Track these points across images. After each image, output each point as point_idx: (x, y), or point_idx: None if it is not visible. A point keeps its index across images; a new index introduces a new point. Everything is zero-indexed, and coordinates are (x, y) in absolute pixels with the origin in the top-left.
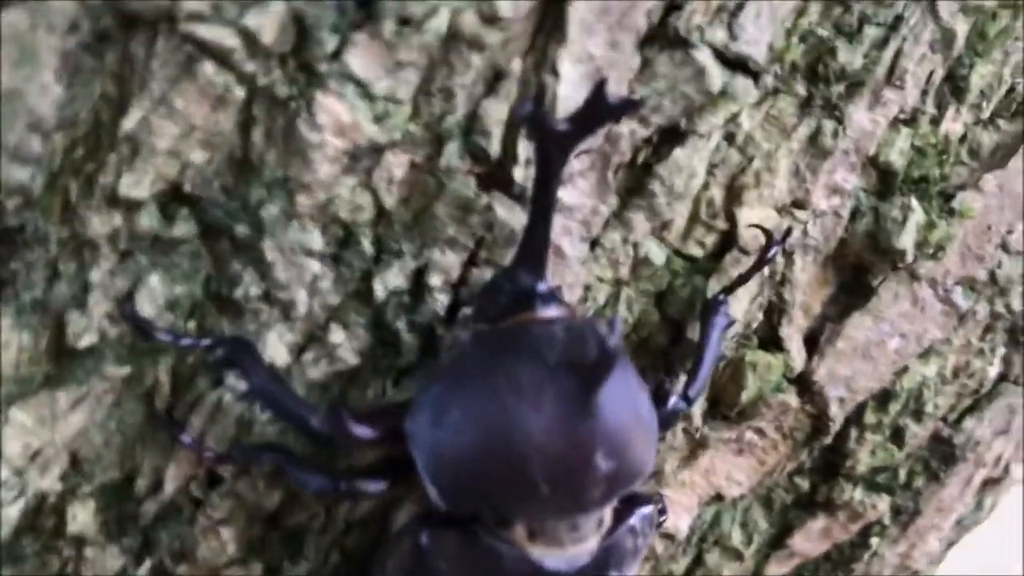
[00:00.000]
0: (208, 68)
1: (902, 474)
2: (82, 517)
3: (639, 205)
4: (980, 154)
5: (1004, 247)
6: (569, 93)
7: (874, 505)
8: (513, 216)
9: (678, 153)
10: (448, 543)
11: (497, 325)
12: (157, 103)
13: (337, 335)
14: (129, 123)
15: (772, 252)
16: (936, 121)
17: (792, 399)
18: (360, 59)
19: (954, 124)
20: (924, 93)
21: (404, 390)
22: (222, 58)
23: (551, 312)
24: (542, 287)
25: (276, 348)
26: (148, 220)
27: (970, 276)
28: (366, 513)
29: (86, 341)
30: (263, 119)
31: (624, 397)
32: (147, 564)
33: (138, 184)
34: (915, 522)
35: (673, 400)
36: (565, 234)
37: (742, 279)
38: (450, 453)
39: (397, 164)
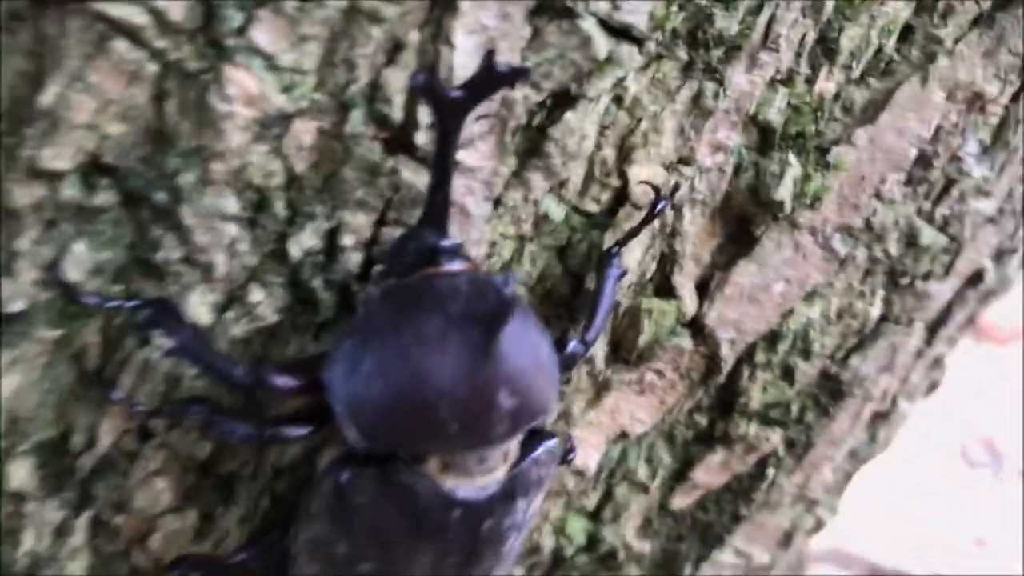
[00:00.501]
0: (120, 45)
1: (794, 409)
2: (20, 474)
3: (536, 165)
4: (852, 111)
5: (878, 196)
6: (464, 62)
7: (767, 438)
8: (418, 178)
9: (569, 116)
10: (367, 480)
11: (404, 280)
12: (73, 79)
13: (256, 294)
14: (47, 99)
15: (660, 207)
16: (811, 81)
17: (686, 342)
18: (265, 33)
19: (827, 83)
20: (798, 55)
21: (322, 344)
22: (133, 35)
23: (454, 266)
24: (445, 243)
25: (198, 308)
26: (70, 190)
27: (847, 224)
28: (293, 459)
29: (16, 306)
30: (176, 92)
31: (523, 342)
32: (86, 516)
33: (58, 156)
34: (809, 454)
35: (572, 344)
36: (468, 194)
37: (633, 232)
38: (365, 399)
39: (305, 131)
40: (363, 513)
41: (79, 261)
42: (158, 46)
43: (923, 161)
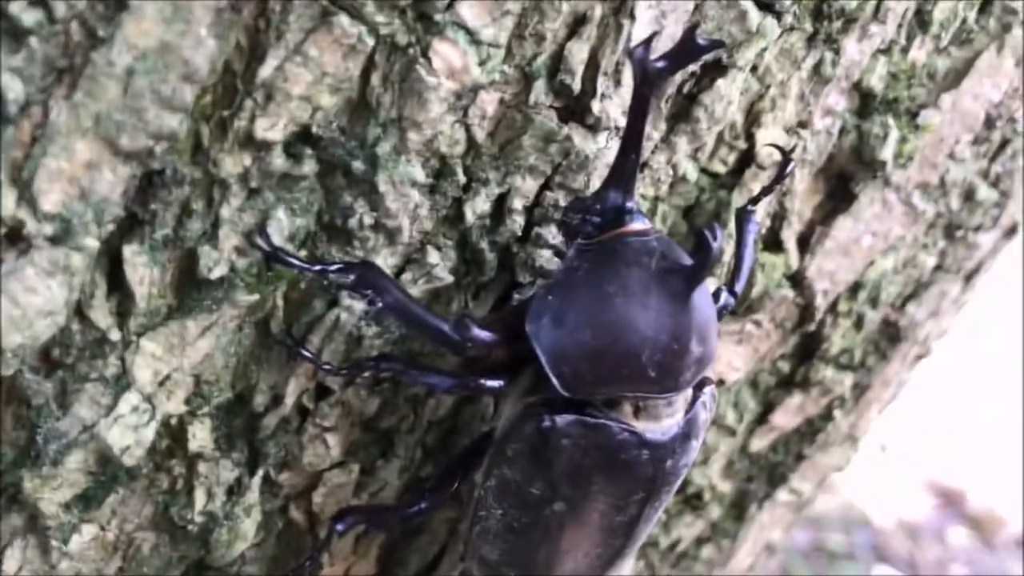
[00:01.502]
0: (343, 20)
1: (858, 354)
2: (201, 435)
3: (683, 130)
4: (936, 77)
5: (951, 156)
6: (641, 33)
7: (841, 381)
8: (587, 144)
9: (720, 83)
10: (567, 423)
11: (598, 239)
12: (292, 52)
13: (433, 256)
14: (266, 71)
15: (791, 167)
16: (905, 50)
17: (788, 292)
18: (471, 9)
19: (919, 52)
20: (899, 27)
21: (482, 302)
22: (354, 10)
23: (641, 225)
24: (631, 204)
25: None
26: (278, 159)
27: (925, 181)
28: (444, 413)
29: (218, 272)
30: (383, 65)
31: (705, 295)
32: (259, 474)
33: (272, 127)
34: (866, 395)
35: (724, 296)
36: None
37: (766, 190)
38: (571, 347)
39: (490, 101)
40: (562, 455)
41: (280, 227)
42: (376, 20)
43: (988, 123)
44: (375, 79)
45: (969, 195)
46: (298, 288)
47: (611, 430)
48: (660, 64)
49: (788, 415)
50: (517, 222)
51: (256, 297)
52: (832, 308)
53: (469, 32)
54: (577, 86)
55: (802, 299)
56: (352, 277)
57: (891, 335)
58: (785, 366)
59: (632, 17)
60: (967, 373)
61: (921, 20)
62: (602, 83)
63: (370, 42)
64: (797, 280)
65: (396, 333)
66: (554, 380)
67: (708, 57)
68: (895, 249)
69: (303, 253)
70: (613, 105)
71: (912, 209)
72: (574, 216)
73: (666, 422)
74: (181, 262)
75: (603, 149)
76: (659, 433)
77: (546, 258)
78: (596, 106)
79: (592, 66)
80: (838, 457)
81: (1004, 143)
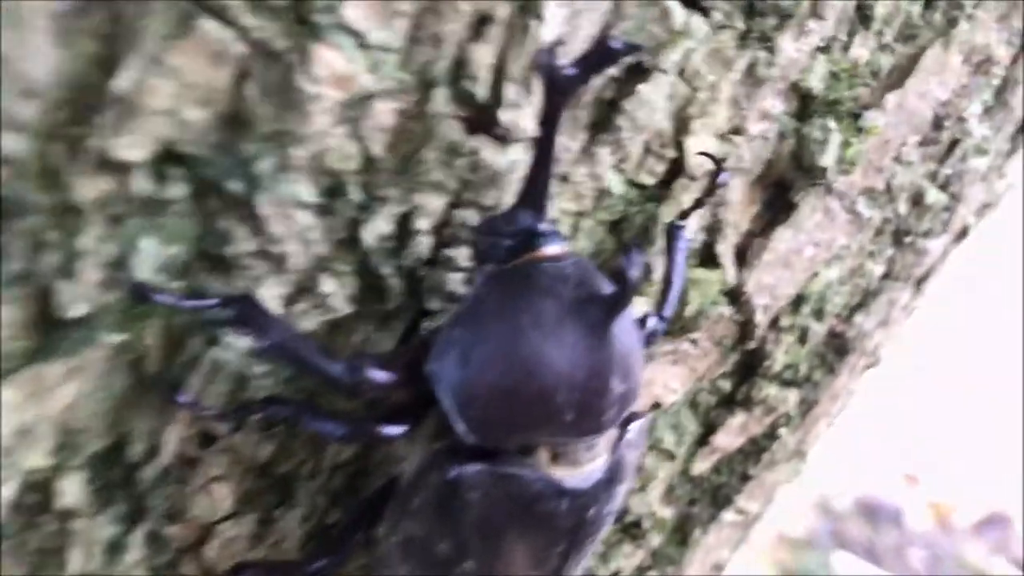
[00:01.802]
0: (208, 24)
1: (803, 368)
2: (71, 490)
3: (605, 140)
4: (879, 76)
5: (897, 159)
6: (551, 35)
7: (785, 399)
8: (497, 158)
9: (643, 89)
10: (476, 475)
11: (507, 265)
12: (151, 62)
13: (328, 284)
14: (121, 83)
15: (723, 178)
16: (846, 47)
17: (726, 310)
18: (357, 10)
19: (861, 50)
20: (838, 22)
21: (387, 333)
22: (221, 13)
23: (556, 249)
24: (546, 226)
25: (268, 302)
26: (142, 182)
27: (871, 187)
28: (349, 456)
29: (77, 310)
30: (259, 73)
31: (628, 324)
32: (141, 530)
33: (132, 145)
34: (813, 410)
35: (652, 321)
36: None
37: (697, 203)
38: (479, 389)
39: (385, 112)
40: (470, 509)
41: (147, 258)
42: (246, 24)
43: (936, 123)
44: (251, 89)
45: (917, 200)
46: (173, 325)
47: (525, 480)
48: (570, 71)
49: (731, 435)
50: (424, 244)
51: (125, 337)
52: (774, 323)
53: (356, 35)
54: (482, 94)
55: (741, 315)
56: (230, 313)
57: (838, 347)
58: (726, 385)
59: (539, 17)
60: (926, 358)
61: (863, 15)
62: (510, 91)
63: (240, 48)
64: (735, 296)
65: (287, 371)
66: (457, 426)
67: (628, 60)
68: (840, 259)
69: (178, 285)
70: (524, 115)
71: (857, 217)
72: (483, 239)
73: (587, 467)
74: (38, 300)
75: (516, 162)
76: (580, 480)
77: (458, 282)
78: (505, 116)
79: (498, 72)
80: (786, 473)
81: (953, 144)
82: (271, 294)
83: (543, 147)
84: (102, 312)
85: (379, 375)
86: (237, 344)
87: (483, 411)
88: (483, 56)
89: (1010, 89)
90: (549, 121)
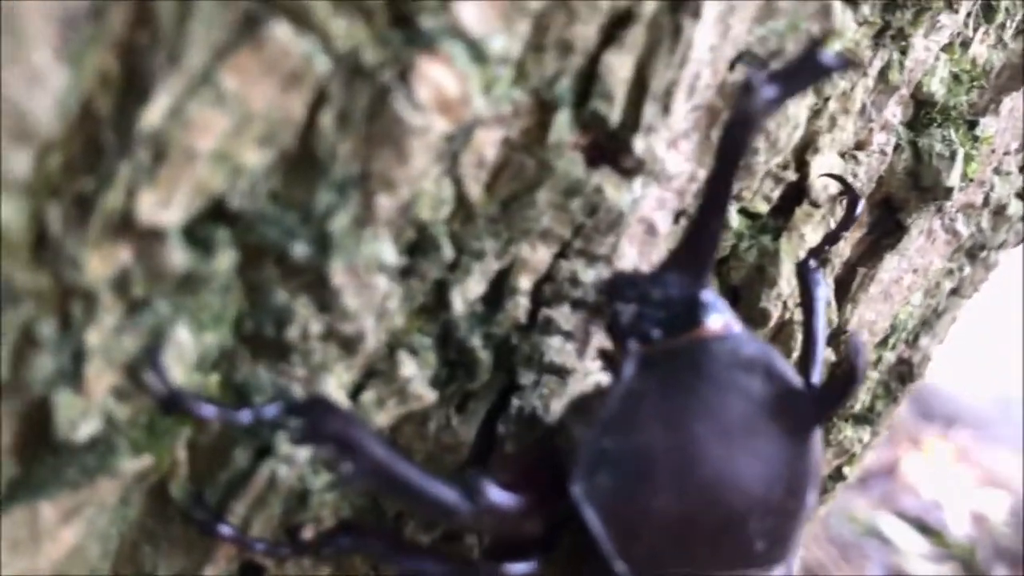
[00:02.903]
0: (282, 29)
1: (865, 400)
2: None
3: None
4: (989, 76)
5: (997, 170)
6: (706, 40)
7: (860, 439)
8: (621, 195)
9: (788, 103)
10: None
11: (665, 346)
12: (197, 83)
13: (407, 365)
14: (152, 115)
15: (860, 208)
16: (966, 44)
17: (830, 354)
18: (474, 10)
19: (980, 47)
20: (967, 16)
21: (470, 416)
22: (299, 15)
23: (722, 324)
24: (708, 294)
25: (336, 396)
26: (175, 253)
27: (970, 202)
28: None
29: (86, 429)
30: (339, 97)
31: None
32: None
33: (166, 204)
34: (871, 445)
35: None
36: (659, 208)
37: (833, 238)
38: (649, 519)
39: (489, 143)
40: None
41: (180, 352)
42: (332, 28)
43: None
44: (326, 120)
45: (999, 211)
46: (210, 432)
47: None
48: (770, 91)
49: None
50: (521, 306)
51: (148, 461)
52: None
53: (472, 44)
54: (616, 116)
55: (835, 356)
56: (299, 426)
57: (902, 374)
58: None
59: (696, 15)
60: None
61: (987, 7)
62: (650, 110)
63: (323, 65)
64: (834, 336)
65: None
66: (619, 565)
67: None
68: (925, 281)
69: (216, 378)
70: (659, 140)
71: (955, 236)
72: (623, 308)
73: None
74: (31, 416)
75: (638, 200)
76: None
77: (556, 349)
78: (639, 144)
79: (638, 87)
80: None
81: None
82: (335, 384)
83: (717, 191)
84: (117, 431)
85: (505, 500)
86: (297, 455)
87: (653, 547)
88: (620, 66)
89: None
90: (730, 156)
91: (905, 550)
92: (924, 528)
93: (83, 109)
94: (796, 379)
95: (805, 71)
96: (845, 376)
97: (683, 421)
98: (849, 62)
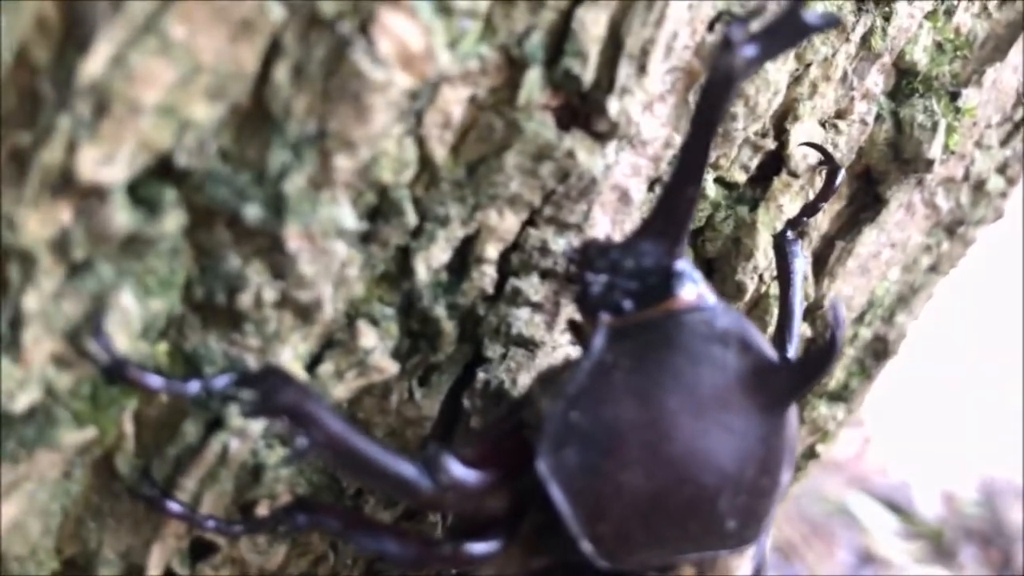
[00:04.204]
0: None
1: (840, 378)
2: None
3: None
4: (973, 46)
5: (979, 143)
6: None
7: (834, 417)
8: (593, 160)
9: (768, 67)
10: None
11: (636, 317)
12: (141, 32)
13: (368, 336)
14: (93, 66)
15: (840, 178)
16: (950, 12)
17: (806, 329)
18: None
19: (964, 15)
20: None
21: (433, 390)
22: None
23: (694, 292)
24: (682, 264)
25: (289, 367)
26: (119, 213)
27: (951, 176)
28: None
29: (24, 400)
30: (293, 49)
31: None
32: None
33: (108, 160)
34: (845, 422)
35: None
36: (634, 175)
37: (812, 209)
38: (617, 496)
39: (455, 101)
40: None
41: (126, 319)
42: None
43: (1018, 100)
44: (280, 73)
45: (979, 186)
46: (158, 404)
47: None
48: (748, 51)
49: None
50: (487, 275)
51: (91, 433)
52: None
53: None
54: (589, 76)
55: (811, 331)
56: (253, 398)
57: (878, 351)
58: None
59: None
60: None
61: None
62: (624, 71)
63: (278, 12)
64: (810, 311)
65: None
66: (585, 545)
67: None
68: (904, 256)
69: (164, 347)
70: (634, 102)
71: (935, 210)
72: (595, 278)
73: None
74: None
75: (612, 166)
76: None
77: (524, 321)
78: (613, 105)
79: (612, 45)
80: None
81: (1019, 124)
82: (291, 355)
83: (693, 156)
84: (58, 401)
85: (468, 476)
86: (250, 428)
87: (621, 525)
88: (593, 23)
89: None
90: (708, 118)
91: (875, 529)
92: (894, 507)
93: (18, 58)
94: (772, 353)
95: (787, 30)
96: (823, 348)
97: (654, 395)
98: (832, 21)
